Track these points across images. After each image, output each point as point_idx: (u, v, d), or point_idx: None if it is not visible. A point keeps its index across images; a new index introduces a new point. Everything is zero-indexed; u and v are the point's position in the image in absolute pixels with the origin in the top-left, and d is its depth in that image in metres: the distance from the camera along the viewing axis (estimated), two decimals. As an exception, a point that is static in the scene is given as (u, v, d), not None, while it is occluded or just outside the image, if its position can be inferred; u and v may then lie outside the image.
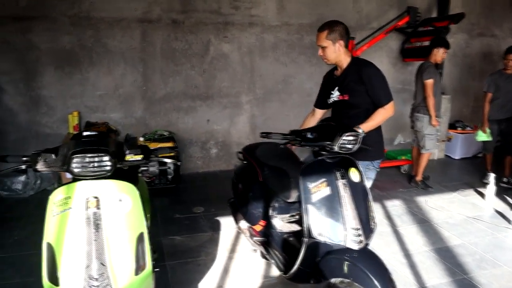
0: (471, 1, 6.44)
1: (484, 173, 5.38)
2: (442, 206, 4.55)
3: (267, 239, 3.02)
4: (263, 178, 3.09)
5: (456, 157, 6.48)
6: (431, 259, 3.43)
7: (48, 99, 4.74)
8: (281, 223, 3.02)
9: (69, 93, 4.79)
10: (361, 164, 2.71)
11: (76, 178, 1.77)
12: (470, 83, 6.80)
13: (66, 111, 4.78)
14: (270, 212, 3.02)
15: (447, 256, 3.48)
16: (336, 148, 2.40)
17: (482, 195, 4.87)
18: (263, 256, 3.17)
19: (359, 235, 2.27)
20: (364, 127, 2.63)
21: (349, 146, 2.44)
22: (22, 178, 4.49)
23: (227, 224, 3.93)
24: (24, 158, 1.83)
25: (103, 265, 1.64)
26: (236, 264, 3.29)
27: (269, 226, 3.00)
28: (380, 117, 2.74)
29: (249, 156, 3.34)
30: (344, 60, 2.79)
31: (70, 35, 4.63)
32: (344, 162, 2.48)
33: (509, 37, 6.82)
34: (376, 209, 4.35)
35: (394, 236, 3.82)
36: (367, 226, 2.33)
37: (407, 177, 5.45)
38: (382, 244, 3.63)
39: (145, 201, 2.04)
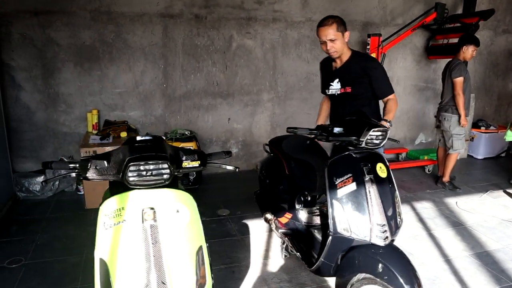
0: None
1: (511, 173, 5.25)
2: (473, 208, 4.41)
3: (293, 232, 3.05)
4: (289, 171, 3.09)
5: (479, 157, 6.33)
6: (473, 264, 3.29)
7: (66, 96, 4.58)
8: (307, 216, 3.06)
9: (87, 91, 4.63)
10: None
11: (130, 187, 1.61)
12: (494, 81, 6.64)
13: (85, 109, 4.64)
14: (296, 204, 3.06)
15: (489, 262, 3.35)
16: (363, 144, 2.33)
17: (512, 196, 4.75)
18: (287, 249, 3.17)
19: (385, 231, 2.23)
20: (391, 118, 2.77)
21: (377, 141, 2.36)
22: (40, 178, 4.34)
23: (255, 227, 3.81)
24: (72, 165, 1.67)
25: (164, 283, 1.50)
26: (272, 270, 3.14)
27: (294, 219, 3.03)
28: (395, 107, 2.86)
29: (275, 149, 3.31)
30: (346, 52, 2.86)
31: (90, 30, 4.47)
32: (371, 158, 2.42)
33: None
34: (406, 211, 4.27)
35: (430, 241, 3.68)
36: (393, 222, 2.28)
37: (433, 178, 5.30)
38: (420, 249, 3.50)
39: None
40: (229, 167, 1.99)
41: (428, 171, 5.59)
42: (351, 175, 2.35)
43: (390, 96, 2.90)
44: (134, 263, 1.51)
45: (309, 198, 3.11)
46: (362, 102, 2.93)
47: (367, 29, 5.52)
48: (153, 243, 1.53)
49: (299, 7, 5.17)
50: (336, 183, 2.35)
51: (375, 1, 5.52)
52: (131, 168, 1.55)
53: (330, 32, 2.72)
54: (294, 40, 5.26)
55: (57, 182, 4.41)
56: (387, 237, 2.21)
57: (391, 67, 5.77)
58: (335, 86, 2.98)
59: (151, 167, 1.58)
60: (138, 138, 1.72)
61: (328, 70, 3.07)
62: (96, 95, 4.67)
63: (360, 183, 2.32)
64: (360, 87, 2.89)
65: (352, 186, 2.33)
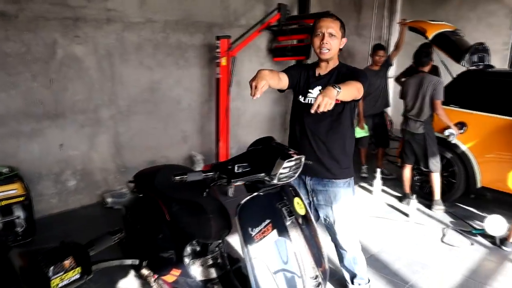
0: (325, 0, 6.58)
1: (359, 167, 5.55)
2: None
3: None
4: (171, 217, 2.41)
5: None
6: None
7: None
8: (200, 270, 2.41)
9: None
10: (340, 184, 2.50)
11: None
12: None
13: None
14: (185, 258, 2.38)
15: (379, 267, 3.37)
16: (275, 180, 1.91)
17: (366, 189, 5.01)
18: None
19: (319, 285, 1.92)
20: (342, 88, 2.06)
21: (290, 173, 1.97)
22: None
23: (126, 282, 3.01)
24: None
25: None
26: None
27: (185, 275, 2.36)
28: (354, 85, 2.21)
29: (146, 188, 2.60)
30: (335, 60, 2.47)
31: None
32: (287, 193, 2.04)
33: (354, 35, 7.27)
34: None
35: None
36: (323, 267, 1.99)
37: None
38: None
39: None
40: (128, 261, 1.29)
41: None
42: (269, 220, 1.89)
43: (353, 80, 2.28)
44: None
45: (199, 248, 2.46)
46: (344, 120, 2.45)
47: (212, 31, 5.09)
48: None
49: (137, 6, 4.40)
50: (253, 235, 1.85)
51: (217, 1, 5.12)
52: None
53: (333, 26, 2.35)
54: (134, 44, 4.47)
55: None
56: (321, 290, 1.86)
57: (238, 71, 5.47)
58: (315, 95, 2.41)
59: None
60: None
61: (307, 75, 2.51)
62: None
63: (282, 230, 1.89)
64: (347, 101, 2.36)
65: (273, 235, 1.87)
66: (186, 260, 2.40)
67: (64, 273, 1.02)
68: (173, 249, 2.44)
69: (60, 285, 1.00)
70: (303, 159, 2.00)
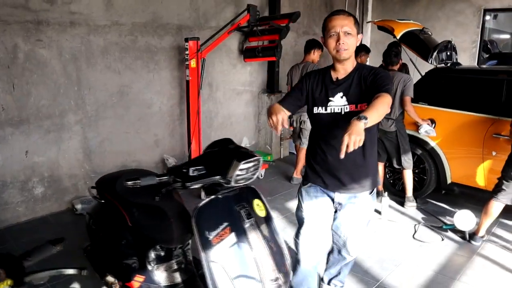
0: (295, 1, 6.59)
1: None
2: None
3: None
4: (132, 223, 2.36)
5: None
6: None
7: None
8: (165, 275, 2.38)
9: None
10: (360, 197, 2.30)
11: None
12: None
13: None
14: (149, 263, 2.34)
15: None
16: (232, 182, 1.91)
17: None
18: None
19: (280, 287, 1.89)
20: (369, 115, 1.82)
21: (247, 175, 1.96)
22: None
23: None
24: None
25: None
26: None
27: (149, 281, 2.31)
28: (381, 104, 1.92)
29: (108, 194, 2.54)
30: (352, 61, 2.21)
31: None
32: (246, 195, 2.02)
33: (326, 35, 7.28)
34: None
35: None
36: (284, 270, 1.95)
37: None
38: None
39: None
40: (70, 271, 1.24)
41: (260, 176, 5.49)
42: (227, 224, 1.86)
43: (382, 93, 2.01)
44: None
45: (163, 253, 2.41)
46: (372, 127, 2.05)
47: (182, 33, 5.04)
48: None
49: (103, 9, 4.31)
50: (210, 238, 1.82)
51: (186, 3, 5.06)
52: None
53: (348, 23, 2.08)
54: (100, 48, 4.38)
55: None
56: (282, 292, 1.83)
57: (209, 73, 5.44)
58: (338, 103, 2.16)
59: None
60: None
61: (322, 82, 2.25)
62: None
63: (240, 233, 1.87)
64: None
65: (231, 238, 1.85)
66: (150, 266, 2.36)
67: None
68: (136, 255, 2.39)
69: None
70: (261, 161, 1.98)
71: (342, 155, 1.71)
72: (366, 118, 1.76)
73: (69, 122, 4.30)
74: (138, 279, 2.34)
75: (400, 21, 5.14)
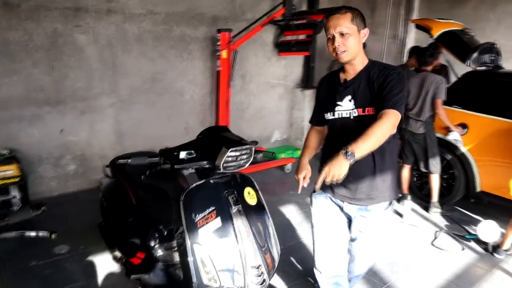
0: (336, -6, 6.50)
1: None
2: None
3: (149, 275, 2.40)
4: (137, 201, 2.51)
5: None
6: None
7: None
8: (165, 254, 2.45)
9: None
10: (373, 211, 2.12)
11: None
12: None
13: None
14: (149, 241, 2.41)
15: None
16: (221, 169, 1.91)
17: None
18: None
19: (261, 274, 1.90)
20: (352, 149, 1.72)
21: (237, 163, 1.97)
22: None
23: (104, 265, 3.09)
24: None
25: None
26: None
27: (149, 258, 2.40)
28: (379, 128, 1.79)
29: (118, 172, 2.70)
30: (362, 59, 2.04)
31: None
32: (237, 182, 2.04)
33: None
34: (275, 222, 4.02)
35: (303, 251, 3.48)
36: (269, 260, 1.96)
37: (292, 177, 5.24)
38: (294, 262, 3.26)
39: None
40: (32, 233, 1.34)
41: (287, 170, 5.50)
42: (213, 208, 1.91)
43: (385, 110, 1.87)
44: None
45: (165, 233, 2.50)
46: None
47: (216, 24, 5.13)
48: None
49: (138, -2, 4.50)
50: (196, 220, 1.88)
51: (223, -6, 5.17)
52: None
53: (342, 22, 1.94)
54: (135, 35, 4.57)
55: None
56: (264, 280, 1.88)
57: (243, 65, 5.51)
58: (346, 106, 2.03)
59: None
60: None
61: (332, 86, 2.13)
62: None
63: (226, 218, 1.91)
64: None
65: (217, 222, 1.90)
66: (152, 244, 2.45)
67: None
68: (140, 232, 2.50)
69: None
70: (253, 149, 2.01)
71: (317, 186, 1.77)
72: (353, 156, 1.68)
73: (103, 105, 4.53)
74: (140, 256, 2.46)
75: (439, 20, 4.93)
